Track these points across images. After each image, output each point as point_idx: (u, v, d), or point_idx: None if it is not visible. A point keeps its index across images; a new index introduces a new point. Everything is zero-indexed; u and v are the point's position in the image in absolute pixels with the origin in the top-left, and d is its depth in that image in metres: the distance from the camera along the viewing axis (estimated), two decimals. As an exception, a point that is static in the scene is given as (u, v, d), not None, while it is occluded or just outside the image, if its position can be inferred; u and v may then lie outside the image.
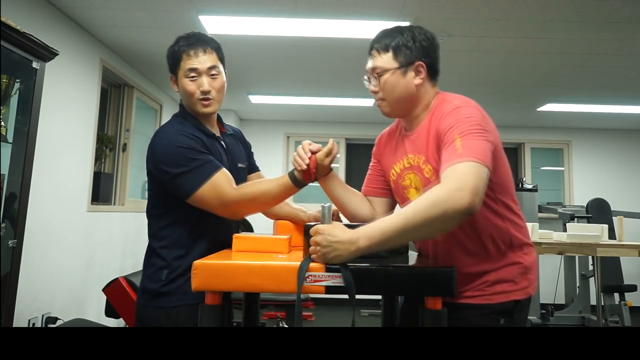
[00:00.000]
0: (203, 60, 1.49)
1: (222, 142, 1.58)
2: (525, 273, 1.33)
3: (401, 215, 1.08)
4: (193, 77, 1.49)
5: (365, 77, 1.41)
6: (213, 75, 1.50)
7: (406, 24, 1.43)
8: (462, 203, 1.04)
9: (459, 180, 1.07)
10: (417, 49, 1.34)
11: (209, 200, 1.39)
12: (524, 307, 1.35)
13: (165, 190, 1.45)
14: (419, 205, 1.07)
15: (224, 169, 1.44)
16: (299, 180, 1.42)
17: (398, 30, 1.36)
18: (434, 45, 1.37)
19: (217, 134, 1.59)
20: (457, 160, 1.12)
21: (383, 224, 1.10)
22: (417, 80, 1.34)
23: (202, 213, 1.45)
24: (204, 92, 1.49)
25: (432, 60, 1.36)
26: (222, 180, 1.40)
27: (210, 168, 1.40)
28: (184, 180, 1.39)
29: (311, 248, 1.12)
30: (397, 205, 1.51)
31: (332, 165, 1.45)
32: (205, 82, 1.49)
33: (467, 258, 1.32)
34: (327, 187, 1.48)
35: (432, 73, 1.37)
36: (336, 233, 1.09)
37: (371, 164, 1.58)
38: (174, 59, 1.52)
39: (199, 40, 1.51)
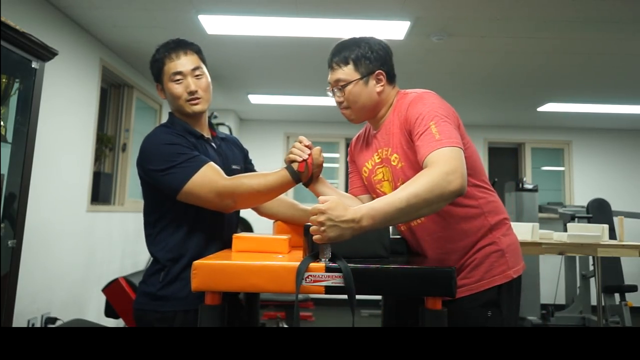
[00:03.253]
0: (185, 62, 1.50)
1: (213, 144, 1.58)
2: (502, 257, 1.39)
3: (403, 197, 1.12)
4: (178, 79, 1.50)
5: (328, 89, 1.48)
6: (197, 75, 1.51)
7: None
8: (455, 185, 1.14)
9: (447, 164, 1.16)
10: (376, 58, 1.42)
11: (201, 192, 1.37)
12: (509, 290, 1.39)
13: (158, 195, 1.45)
14: (419, 187, 1.13)
15: (213, 162, 1.43)
16: (297, 173, 1.43)
17: (355, 42, 1.43)
18: (389, 53, 1.46)
19: (208, 135, 1.59)
20: (439, 145, 1.21)
21: (386, 205, 1.12)
22: (379, 88, 1.43)
23: (196, 215, 1.44)
24: (191, 93, 1.49)
25: (389, 67, 1.46)
26: (212, 172, 1.39)
27: (199, 161, 1.40)
28: (172, 175, 1.38)
29: (313, 228, 1.11)
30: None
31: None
32: (191, 82, 1.50)
33: (446, 243, 1.40)
34: (319, 191, 1.51)
35: (391, 78, 1.46)
36: (339, 212, 1.10)
37: (350, 168, 1.66)
38: (157, 66, 1.53)
39: (179, 45, 1.53)
